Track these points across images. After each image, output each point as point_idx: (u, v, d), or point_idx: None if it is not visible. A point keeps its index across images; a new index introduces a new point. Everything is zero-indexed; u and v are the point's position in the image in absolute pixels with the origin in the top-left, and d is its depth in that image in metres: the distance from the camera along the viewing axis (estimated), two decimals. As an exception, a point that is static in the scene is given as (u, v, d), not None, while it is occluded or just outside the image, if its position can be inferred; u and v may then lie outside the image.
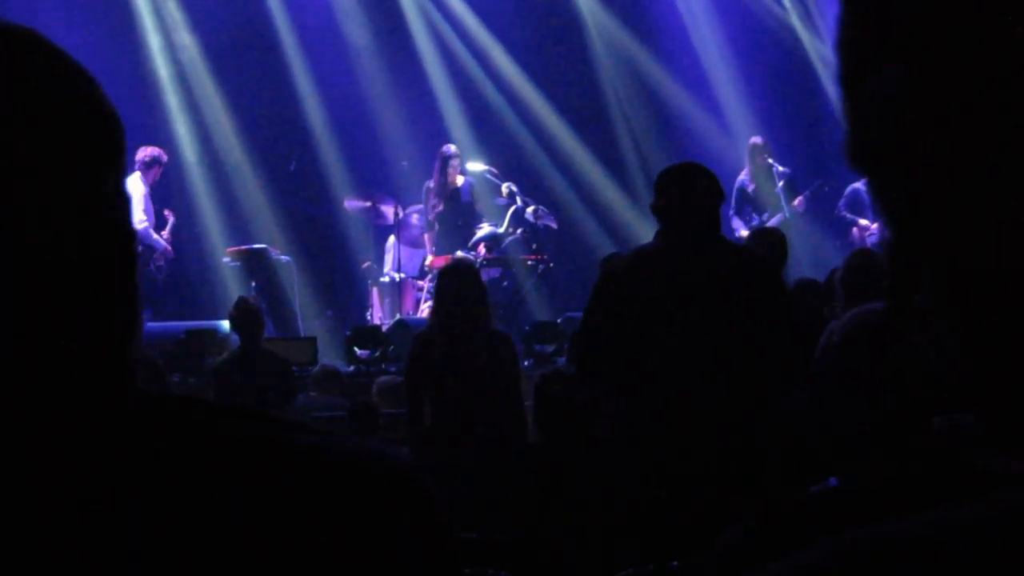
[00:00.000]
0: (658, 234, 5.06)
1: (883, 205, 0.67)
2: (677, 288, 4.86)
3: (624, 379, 4.90)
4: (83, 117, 0.93)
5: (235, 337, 8.32)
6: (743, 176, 12.25)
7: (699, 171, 5.10)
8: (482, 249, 11.53)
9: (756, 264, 5.12)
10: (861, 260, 5.97)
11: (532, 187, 12.92)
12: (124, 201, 0.96)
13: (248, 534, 0.89)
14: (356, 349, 10.26)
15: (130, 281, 0.95)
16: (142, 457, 0.91)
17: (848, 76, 0.68)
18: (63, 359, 0.90)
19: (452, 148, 12.18)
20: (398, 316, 11.43)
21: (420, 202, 12.28)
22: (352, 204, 12.79)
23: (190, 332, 10.08)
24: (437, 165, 12.01)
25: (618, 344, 4.91)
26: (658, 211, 5.02)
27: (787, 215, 11.87)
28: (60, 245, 0.90)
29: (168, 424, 0.93)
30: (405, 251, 12.14)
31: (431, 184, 11.99)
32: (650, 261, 4.99)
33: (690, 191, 4.96)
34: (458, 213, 11.97)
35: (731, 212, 12.19)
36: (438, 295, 6.65)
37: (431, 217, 11.95)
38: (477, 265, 9.63)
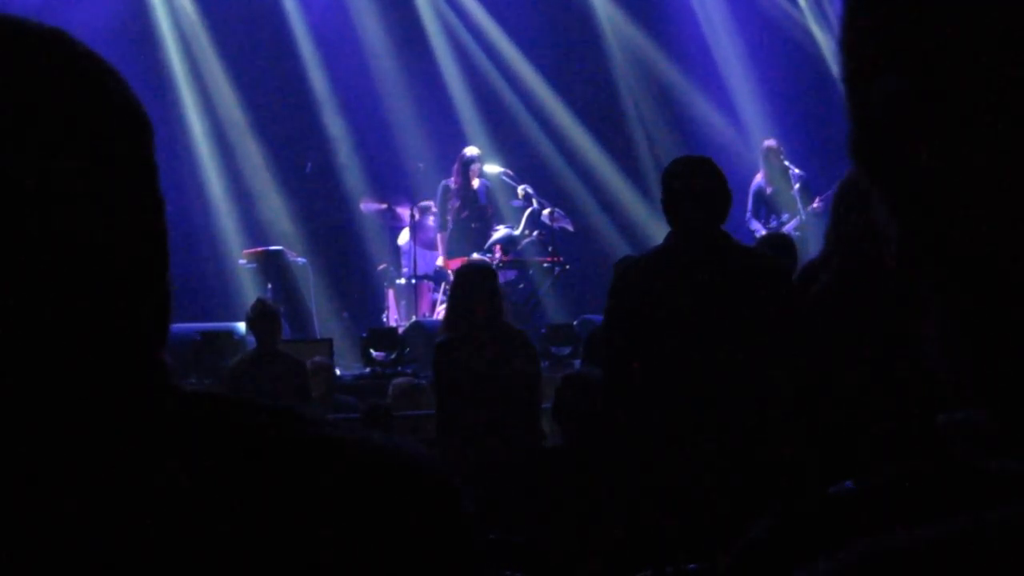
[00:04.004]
0: (667, 236, 5.04)
1: (885, 203, 0.67)
2: (683, 291, 4.83)
3: (638, 382, 4.88)
4: (114, 117, 0.94)
5: (251, 339, 8.34)
6: (759, 179, 12.23)
7: (703, 166, 5.03)
8: (498, 251, 11.54)
9: (764, 263, 5.10)
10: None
11: (548, 189, 12.92)
12: (156, 200, 0.97)
13: (284, 528, 0.90)
14: (372, 351, 10.28)
15: (162, 280, 0.96)
16: (182, 452, 0.91)
17: (851, 78, 0.69)
18: (98, 357, 0.91)
19: (474, 151, 12.20)
20: (414, 318, 11.45)
21: (437, 203, 12.27)
22: (368, 206, 12.81)
23: (206, 334, 10.11)
24: (457, 167, 12.02)
25: (632, 347, 4.90)
26: (664, 209, 4.99)
27: (803, 217, 11.86)
28: (92, 245, 0.90)
29: (203, 419, 0.94)
30: (421, 253, 12.15)
31: (451, 184, 11.99)
32: (657, 264, 4.96)
33: (693, 188, 4.89)
34: (474, 215, 11.98)
35: (748, 215, 12.17)
36: (454, 298, 6.65)
37: (449, 216, 11.96)
38: (493, 267, 9.64)
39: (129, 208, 0.93)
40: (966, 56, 0.62)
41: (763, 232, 11.35)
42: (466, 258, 11.24)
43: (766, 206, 12.20)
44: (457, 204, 11.93)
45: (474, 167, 11.98)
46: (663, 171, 5.08)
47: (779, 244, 7.71)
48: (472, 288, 6.50)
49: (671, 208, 4.94)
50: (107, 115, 0.93)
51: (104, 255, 0.91)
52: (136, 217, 0.94)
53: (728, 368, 4.71)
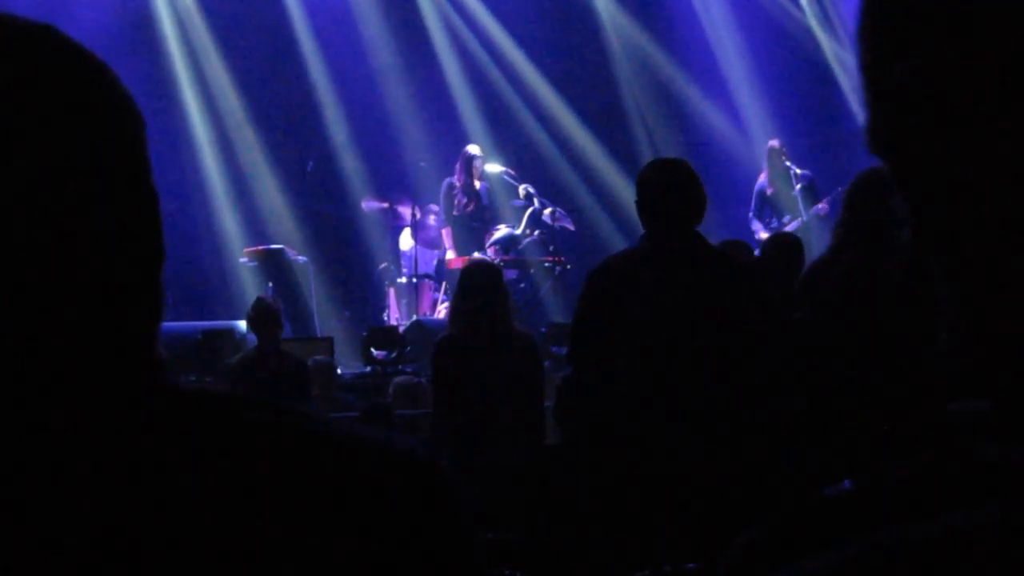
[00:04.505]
0: (640, 237, 5.04)
1: (902, 190, 0.67)
2: (653, 292, 4.81)
3: (607, 384, 4.86)
4: (104, 112, 0.94)
5: (252, 337, 8.34)
6: (763, 178, 12.21)
7: (677, 168, 5.01)
8: (491, 252, 11.51)
9: (734, 265, 5.08)
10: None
11: (549, 189, 12.92)
12: (148, 195, 0.97)
13: (281, 523, 0.90)
14: (373, 350, 10.28)
15: (156, 274, 0.96)
16: (176, 447, 0.92)
17: (868, 65, 0.69)
18: (92, 352, 0.91)
19: (476, 149, 12.21)
20: (415, 317, 11.44)
21: (437, 203, 12.29)
22: (369, 205, 12.81)
23: (207, 332, 10.11)
24: (461, 164, 12.04)
25: (599, 347, 4.88)
26: (638, 211, 4.98)
27: (805, 218, 11.82)
28: (84, 239, 0.90)
29: (198, 415, 0.94)
30: (422, 252, 12.15)
31: (455, 182, 12.01)
32: (628, 266, 4.95)
33: (666, 191, 4.88)
34: (476, 215, 11.99)
35: (751, 215, 12.16)
36: (459, 296, 6.64)
37: (456, 213, 11.96)
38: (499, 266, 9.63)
39: (121, 202, 0.93)
40: (981, 43, 0.62)
41: (763, 233, 11.33)
42: (467, 257, 11.24)
43: (768, 206, 12.18)
44: (464, 200, 11.95)
45: (477, 163, 12.01)
46: (638, 173, 5.07)
47: (786, 244, 7.68)
48: (477, 286, 6.49)
49: (644, 210, 4.93)
50: (97, 109, 0.93)
51: (97, 249, 0.91)
52: (129, 211, 0.94)
53: (698, 369, 4.70)
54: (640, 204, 4.94)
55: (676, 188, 4.86)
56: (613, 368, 4.81)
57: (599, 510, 4.75)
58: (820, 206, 11.82)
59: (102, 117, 0.93)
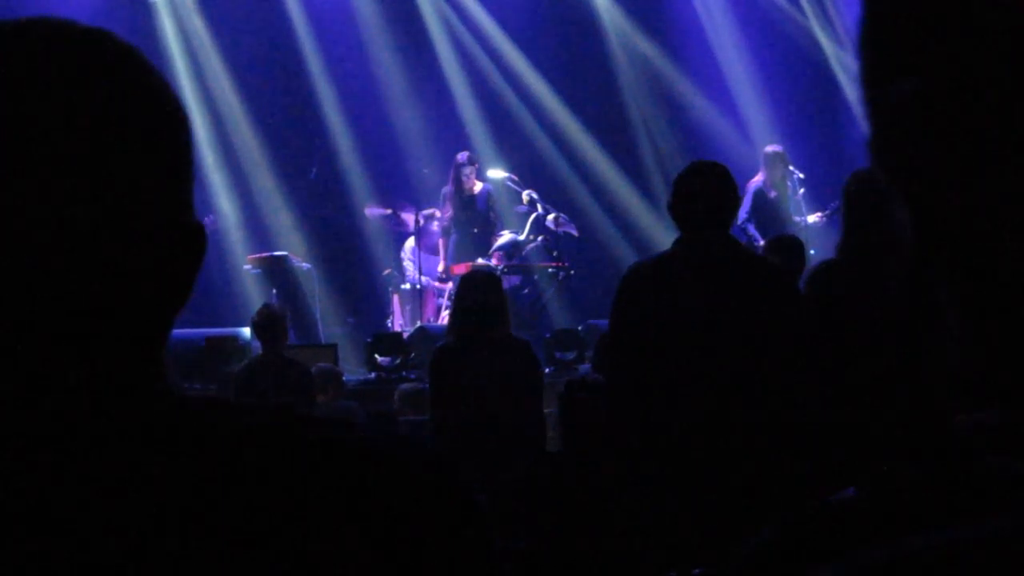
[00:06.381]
0: (675, 241, 5.04)
1: (905, 204, 0.67)
2: (689, 296, 4.82)
3: (643, 387, 4.87)
4: (160, 118, 0.95)
5: (256, 344, 8.33)
6: (758, 181, 12.14)
7: (712, 170, 5.02)
8: (495, 258, 11.53)
9: (769, 269, 5.09)
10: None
11: (553, 194, 12.92)
12: (190, 198, 0.98)
13: (292, 529, 0.90)
14: (377, 356, 10.29)
15: (191, 282, 0.97)
16: (175, 455, 0.92)
17: (868, 80, 0.69)
18: (105, 356, 0.91)
19: (465, 155, 12.20)
20: (419, 323, 11.45)
21: (439, 209, 12.30)
22: (372, 211, 12.82)
23: (211, 339, 10.11)
24: (451, 173, 12.05)
25: (636, 352, 4.89)
26: (672, 213, 4.99)
27: (806, 223, 11.81)
28: (137, 244, 0.91)
29: (199, 422, 0.94)
30: (425, 258, 12.17)
31: (446, 191, 12.04)
32: (663, 268, 4.95)
33: (701, 193, 4.89)
34: (474, 220, 11.98)
35: (745, 218, 12.11)
36: (457, 304, 6.64)
37: (445, 224, 11.98)
38: (498, 273, 9.64)
39: (169, 208, 0.94)
40: (982, 57, 0.62)
41: (761, 240, 11.29)
42: (470, 263, 11.24)
43: (767, 210, 12.12)
44: (450, 212, 11.96)
45: (466, 171, 11.97)
46: (675, 177, 5.08)
47: (787, 246, 7.68)
48: (475, 295, 6.49)
49: (677, 212, 4.94)
50: (151, 114, 0.94)
51: (141, 253, 0.92)
52: (176, 216, 0.95)
53: (733, 373, 4.71)
54: (673, 206, 4.94)
55: (709, 191, 4.87)
56: (649, 372, 4.82)
57: (617, 514, 4.75)
58: (817, 217, 11.81)
59: (157, 122, 0.94)
